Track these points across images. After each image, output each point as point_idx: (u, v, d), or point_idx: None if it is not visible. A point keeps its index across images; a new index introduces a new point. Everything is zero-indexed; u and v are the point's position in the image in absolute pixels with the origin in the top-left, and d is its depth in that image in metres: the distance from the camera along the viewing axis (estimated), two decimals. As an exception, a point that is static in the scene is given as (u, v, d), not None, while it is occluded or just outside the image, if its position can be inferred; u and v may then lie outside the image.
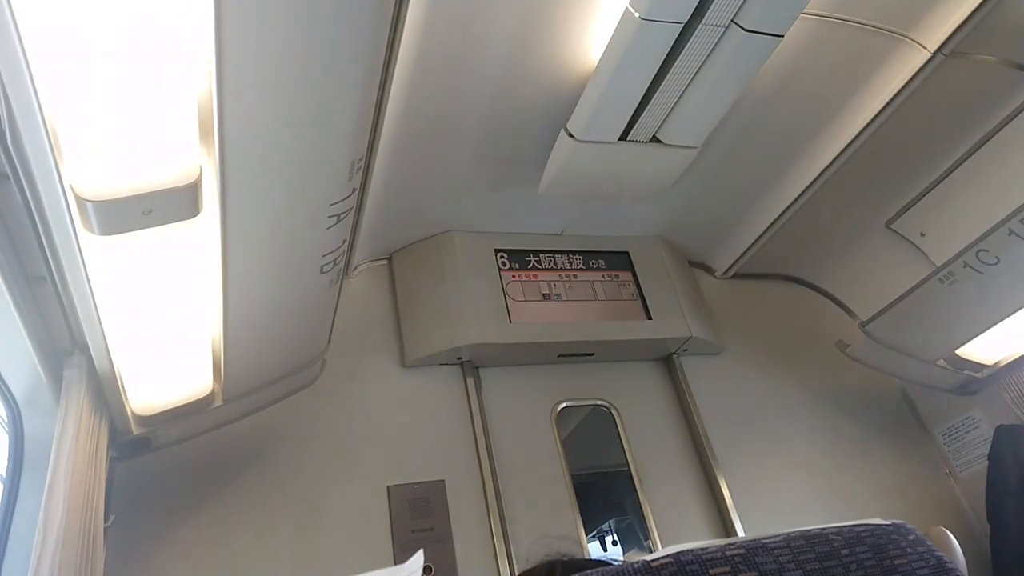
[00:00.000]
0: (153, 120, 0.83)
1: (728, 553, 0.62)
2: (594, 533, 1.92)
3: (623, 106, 1.57)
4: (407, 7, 1.30)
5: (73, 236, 0.90)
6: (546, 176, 1.81)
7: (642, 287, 2.19)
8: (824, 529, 0.69)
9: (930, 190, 2.06)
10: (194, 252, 1.03)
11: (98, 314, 1.04)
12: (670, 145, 1.71)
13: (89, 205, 0.86)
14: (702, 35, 1.42)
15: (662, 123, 1.65)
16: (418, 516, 1.68)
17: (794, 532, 0.68)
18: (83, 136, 0.81)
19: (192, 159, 0.89)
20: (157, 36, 0.76)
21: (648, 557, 0.65)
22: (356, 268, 2.03)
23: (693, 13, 1.37)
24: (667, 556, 0.63)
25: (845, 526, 0.70)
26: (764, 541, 0.65)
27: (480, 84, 1.62)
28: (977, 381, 2.10)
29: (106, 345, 1.11)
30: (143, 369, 1.23)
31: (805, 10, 1.46)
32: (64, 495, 1.09)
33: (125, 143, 0.83)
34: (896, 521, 0.73)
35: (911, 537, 0.70)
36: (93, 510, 1.14)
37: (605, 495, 2.01)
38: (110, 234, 0.90)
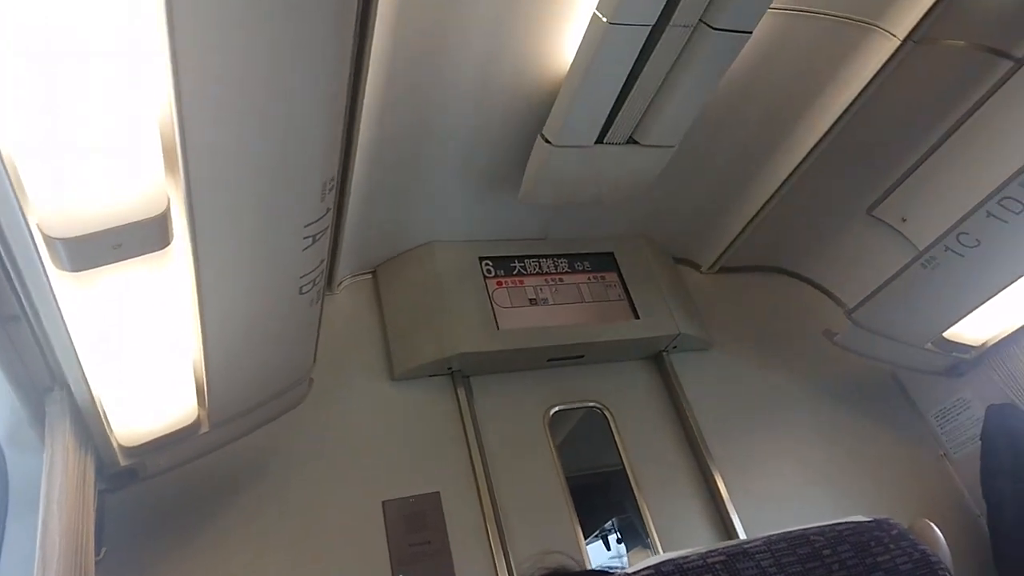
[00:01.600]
0: (116, 153, 0.82)
1: (709, 560, 0.62)
2: (596, 533, 1.92)
3: (597, 110, 1.58)
4: (373, 24, 1.30)
5: (43, 274, 0.89)
6: (525, 182, 1.81)
7: (628, 287, 2.19)
8: (806, 530, 0.69)
9: (909, 175, 2.07)
10: (169, 281, 1.02)
11: (75, 349, 1.03)
12: (647, 145, 1.71)
13: (58, 243, 0.85)
14: (671, 36, 1.42)
15: (637, 124, 1.66)
16: (415, 530, 1.67)
17: (775, 535, 0.68)
18: (45, 174, 0.80)
19: (159, 190, 0.88)
20: (112, 63, 0.76)
21: (629, 569, 0.65)
22: (340, 284, 2.02)
23: (660, 15, 1.38)
24: (648, 568, 0.63)
25: (827, 525, 0.70)
26: (745, 546, 0.65)
27: (454, 94, 1.61)
28: (966, 363, 2.11)
29: (85, 379, 1.10)
30: (126, 400, 1.22)
31: (772, 5, 1.47)
32: (59, 531, 1.09)
33: (89, 178, 0.83)
34: (879, 517, 0.73)
35: (893, 532, 0.70)
36: (84, 545, 1.14)
37: (604, 495, 2.01)
38: (81, 270, 0.90)
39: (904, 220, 2.15)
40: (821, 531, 0.70)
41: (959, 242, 1.69)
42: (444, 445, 1.84)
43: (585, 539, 1.83)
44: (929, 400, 2.29)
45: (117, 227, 0.86)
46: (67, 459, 1.16)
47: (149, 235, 0.90)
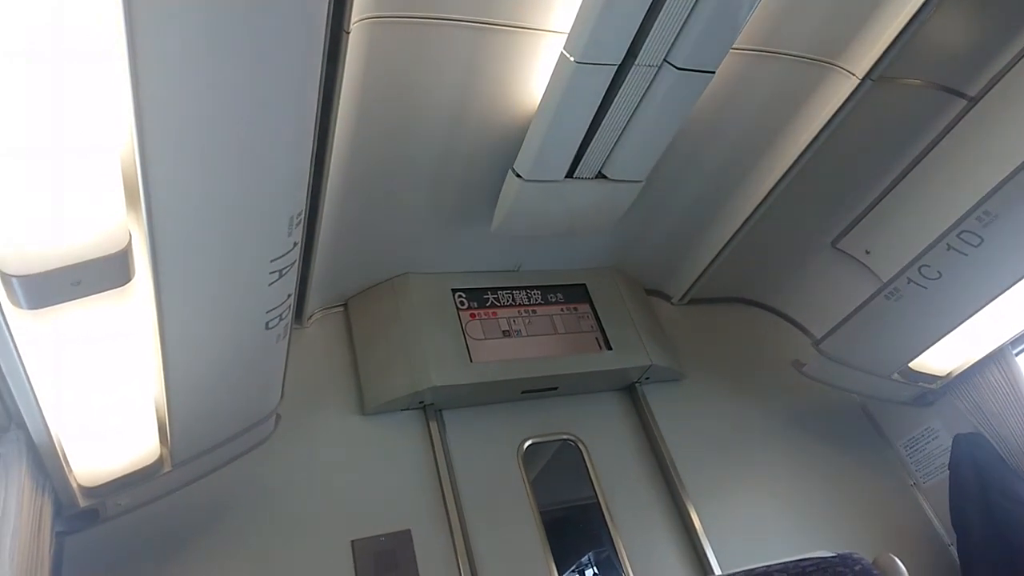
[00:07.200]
0: (77, 188, 0.82)
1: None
2: (572, 569, 1.89)
3: (566, 146, 1.60)
4: (344, 63, 1.31)
5: (-1, 312, 0.88)
6: (497, 216, 1.82)
7: (601, 318, 2.20)
8: (769, 567, 0.69)
9: (871, 209, 2.12)
10: (130, 317, 1.01)
11: (32, 387, 1.01)
12: (616, 180, 1.74)
13: (15, 280, 0.83)
14: (636, 75, 1.45)
15: (606, 160, 1.68)
16: (385, 570, 1.64)
17: (739, 572, 0.68)
18: (2, 209, 0.79)
19: (120, 225, 0.88)
20: (74, 99, 0.75)
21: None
22: (311, 317, 2.01)
23: (626, 55, 1.41)
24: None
25: (791, 562, 0.70)
26: (708, 585, 0.65)
27: (426, 128, 1.63)
28: (932, 392, 2.14)
29: (43, 418, 1.07)
30: (86, 439, 1.19)
31: (735, 46, 1.51)
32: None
33: (48, 214, 0.82)
34: (842, 552, 0.74)
35: (857, 568, 0.70)
36: (37, 590, 1.10)
37: (579, 529, 1.99)
38: (38, 308, 0.88)
39: (868, 252, 2.19)
40: (785, 568, 0.70)
41: (921, 274, 1.73)
42: (415, 481, 1.81)
43: (560, 575, 1.80)
44: (898, 430, 2.32)
45: (76, 264, 0.85)
46: (22, 501, 1.12)
47: (110, 272, 0.89)
